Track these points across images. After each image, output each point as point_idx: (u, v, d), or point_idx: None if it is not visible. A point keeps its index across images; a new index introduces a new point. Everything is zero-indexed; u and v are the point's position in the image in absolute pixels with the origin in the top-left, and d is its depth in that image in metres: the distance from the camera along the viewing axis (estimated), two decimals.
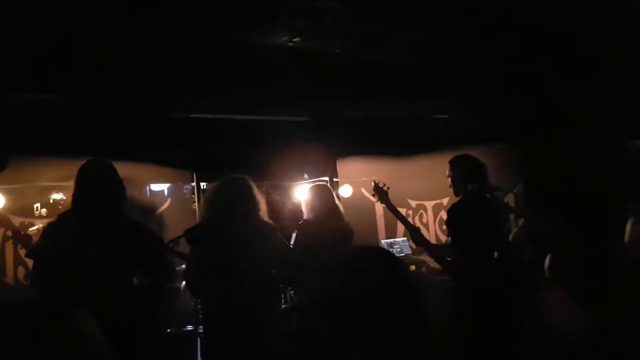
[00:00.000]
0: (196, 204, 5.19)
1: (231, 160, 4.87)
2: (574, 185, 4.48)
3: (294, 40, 4.19)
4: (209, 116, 5.13)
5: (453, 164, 3.78)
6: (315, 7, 3.68)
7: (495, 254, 3.62)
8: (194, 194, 5.41)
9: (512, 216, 4.23)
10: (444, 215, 5.30)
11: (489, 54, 4.68)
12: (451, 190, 3.78)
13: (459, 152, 3.89)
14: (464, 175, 3.72)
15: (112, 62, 4.02)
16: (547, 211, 3.85)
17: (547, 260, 1.57)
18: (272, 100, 4.92)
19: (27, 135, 4.28)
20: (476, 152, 3.91)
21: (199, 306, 4.17)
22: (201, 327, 4.15)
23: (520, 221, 4.08)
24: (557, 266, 1.55)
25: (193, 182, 5.41)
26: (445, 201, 5.88)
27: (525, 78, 5.10)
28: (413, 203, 6.17)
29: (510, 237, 3.81)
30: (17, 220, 4.60)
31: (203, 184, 5.34)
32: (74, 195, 2.92)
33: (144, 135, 4.75)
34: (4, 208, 4.52)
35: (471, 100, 5.40)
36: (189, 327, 4.52)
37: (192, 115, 5.10)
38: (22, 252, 4.09)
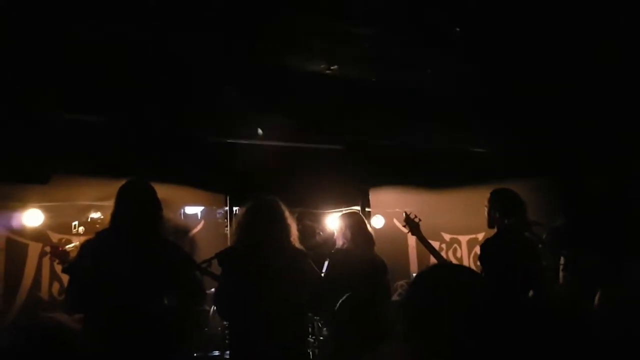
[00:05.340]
0: (228, 228, 5.22)
1: (264, 186, 4.89)
2: (617, 221, 4.30)
3: (332, 67, 4.23)
4: (244, 142, 5.19)
5: (490, 197, 3.72)
6: (353, 34, 3.72)
7: (531, 292, 3.50)
8: (226, 218, 5.44)
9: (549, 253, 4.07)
10: (478, 250, 5.17)
11: (529, 86, 4.62)
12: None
13: (495, 186, 3.81)
14: (501, 209, 3.64)
15: (152, 86, 4.13)
16: (589, 249, 3.69)
17: (597, 298, 1.50)
18: (307, 128, 4.96)
19: (68, 154, 4.42)
20: (514, 187, 3.82)
21: (226, 331, 4.14)
22: (228, 352, 4.11)
23: (561, 259, 3.92)
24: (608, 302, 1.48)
25: (226, 206, 5.45)
26: (480, 236, 5.74)
27: (566, 111, 4.99)
28: (447, 236, 6.05)
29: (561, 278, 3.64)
30: (55, 237, 4.71)
31: (235, 208, 5.38)
32: (113, 214, 2.98)
33: (181, 158, 4.84)
34: (44, 224, 4.64)
35: (510, 133, 5.31)
36: (216, 352, 4.49)
37: (228, 141, 5.18)
38: (59, 268, 4.17)
